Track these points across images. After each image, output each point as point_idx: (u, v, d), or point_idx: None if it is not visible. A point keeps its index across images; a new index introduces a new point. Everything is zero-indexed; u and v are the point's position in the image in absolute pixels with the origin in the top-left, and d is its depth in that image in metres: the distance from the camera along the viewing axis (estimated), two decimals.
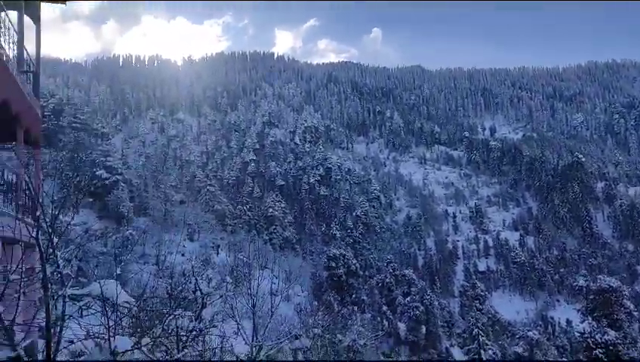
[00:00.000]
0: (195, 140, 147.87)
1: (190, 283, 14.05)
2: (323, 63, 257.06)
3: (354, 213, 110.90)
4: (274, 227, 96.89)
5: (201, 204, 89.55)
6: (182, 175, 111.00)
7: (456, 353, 56.13)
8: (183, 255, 51.96)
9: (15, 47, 9.65)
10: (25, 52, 10.42)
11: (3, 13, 8.58)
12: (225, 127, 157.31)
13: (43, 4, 12.15)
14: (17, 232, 8.69)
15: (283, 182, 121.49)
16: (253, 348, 13.24)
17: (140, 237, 56.45)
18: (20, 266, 4.41)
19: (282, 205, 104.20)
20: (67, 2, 12.66)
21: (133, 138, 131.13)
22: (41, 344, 6.73)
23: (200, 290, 12.29)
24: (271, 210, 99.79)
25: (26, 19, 10.54)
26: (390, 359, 47.41)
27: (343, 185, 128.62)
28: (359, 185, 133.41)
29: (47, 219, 4.68)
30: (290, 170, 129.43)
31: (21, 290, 4.21)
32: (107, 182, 67.86)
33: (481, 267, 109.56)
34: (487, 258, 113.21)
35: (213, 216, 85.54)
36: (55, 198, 6.34)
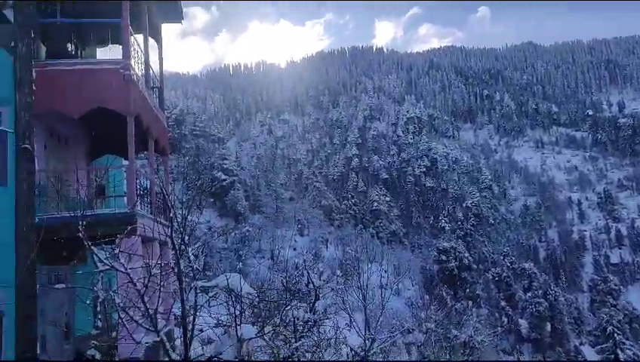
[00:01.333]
0: (300, 139, 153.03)
1: (303, 276, 14.67)
2: (423, 51, 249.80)
3: (464, 204, 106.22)
4: (380, 221, 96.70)
5: (309, 200, 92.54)
6: (290, 173, 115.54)
7: (588, 351, 51.23)
8: (294, 249, 54.25)
9: (142, 67, 10.85)
10: (151, 70, 11.68)
11: (132, 38, 9.68)
12: (327, 124, 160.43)
13: (163, 25, 13.49)
14: (154, 231, 9.81)
15: (387, 176, 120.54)
16: (367, 341, 13.35)
17: (255, 234, 60.10)
18: (158, 261, 5.00)
19: (387, 198, 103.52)
20: (183, 20, 13.90)
21: (245, 141, 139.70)
22: (177, 331, 7.54)
23: (313, 283, 12.73)
24: (376, 203, 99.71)
25: (150, 40, 11.77)
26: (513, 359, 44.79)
27: (450, 175, 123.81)
28: (468, 174, 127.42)
29: (179, 219, 5.23)
30: (394, 162, 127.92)
31: (161, 283, 4.78)
32: (225, 183, 73.22)
33: (614, 259, 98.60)
34: (620, 248, 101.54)
35: (321, 211, 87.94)
36: (183, 200, 6.97)
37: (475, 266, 67.70)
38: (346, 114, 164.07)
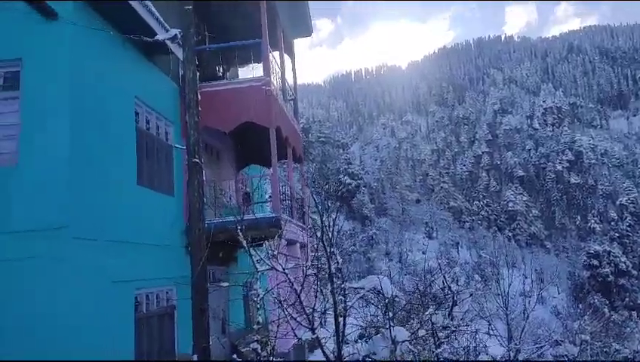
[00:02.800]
0: (424, 139, 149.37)
1: (437, 280, 14.23)
2: (560, 34, 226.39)
3: (617, 202, 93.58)
4: (517, 222, 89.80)
5: (436, 201, 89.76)
6: (415, 174, 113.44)
7: None
8: (423, 253, 53.00)
9: (279, 81, 11.64)
10: (286, 83, 12.47)
11: (271, 56, 10.46)
12: (453, 122, 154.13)
13: (295, 40, 14.31)
14: (297, 235, 10.44)
15: (523, 173, 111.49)
16: (510, 351, 12.46)
17: (383, 236, 60.13)
18: (313, 263, 5.33)
19: (524, 198, 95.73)
20: (312, 34, 14.60)
21: (368, 144, 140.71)
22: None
23: (449, 288, 12.30)
24: (511, 203, 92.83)
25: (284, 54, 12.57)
26: None
27: (599, 169, 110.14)
28: (621, 167, 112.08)
29: (326, 223, 5.50)
30: (531, 158, 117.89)
31: (315, 283, 5.09)
32: (350, 187, 74.65)
33: None
34: None
35: (450, 213, 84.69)
36: (318, 204, 7.26)
37: (634, 272, 59.20)
38: (473, 110, 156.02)
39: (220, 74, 12.11)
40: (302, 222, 11.87)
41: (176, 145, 8.27)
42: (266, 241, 6.82)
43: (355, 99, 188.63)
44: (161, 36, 6.42)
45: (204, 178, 5.82)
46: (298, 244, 10.95)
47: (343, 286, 5.13)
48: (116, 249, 6.76)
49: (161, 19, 7.61)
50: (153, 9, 7.40)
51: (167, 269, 8.06)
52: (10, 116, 6.28)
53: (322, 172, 67.78)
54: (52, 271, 5.71)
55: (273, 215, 9.00)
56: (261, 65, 10.58)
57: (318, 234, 5.60)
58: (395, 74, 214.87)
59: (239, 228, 5.92)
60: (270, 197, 10.46)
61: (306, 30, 14.57)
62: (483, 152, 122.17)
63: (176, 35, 6.03)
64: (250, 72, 12.63)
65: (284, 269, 5.26)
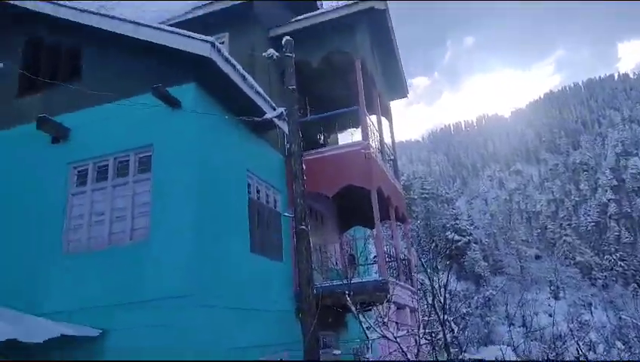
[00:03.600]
0: (537, 189, 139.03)
1: (570, 348, 12.58)
2: None
3: None
4: None
5: (559, 257, 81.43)
6: (531, 228, 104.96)
7: None
8: (550, 315, 47.62)
9: (378, 143, 11.84)
10: (384, 145, 12.64)
11: (368, 119, 10.77)
12: (570, 168, 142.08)
13: (391, 102, 14.63)
14: (406, 298, 10.08)
15: None
16: None
17: (501, 297, 55.43)
18: (426, 329, 5.08)
19: None
20: (408, 94, 14.84)
21: (475, 198, 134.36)
22: None
23: (586, 357, 10.78)
24: None
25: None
26: None
27: None
28: None
29: (434, 285, 5.26)
30: None
31: (430, 353, 4.82)
32: (459, 244, 71.01)
33: None
34: None
35: (577, 269, 76.10)
36: (425, 264, 6.98)
37: None
38: (591, 154, 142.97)
39: (321, 141, 12.67)
40: (410, 285, 11.47)
41: (285, 214, 8.66)
42: (374, 306, 6.68)
43: (457, 152, 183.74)
44: (269, 115, 7.00)
45: (311, 243, 5.97)
46: (408, 309, 10.54)
47: (461, 357, 4.77)
48: (234, 315, 7.07)
49: (268, 98, 8.31)
50: (260, 90, 8.13)
51: (280, 335, 8.20)
52: (144, 195, 7.13)
53: (428, 229, 65.65)
54: (179, 337, 6.11)
55: (380, 278, 8.83)
56: (359, 129, 10.91)
57: (429, 297, 5.36)
58: (498, 123, 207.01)
59: (347, 292, 5.88)
60: (375, 258, 10.34)
61: (402, 91, 14.87)
62: (609, 200, 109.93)
63: (281, 112, 6.53)
64: (350, 136, 13.06)
65: (395, 338, 5.07)
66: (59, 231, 7.22)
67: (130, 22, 7.44)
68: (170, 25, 10.18)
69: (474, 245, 72.74)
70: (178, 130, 7.14)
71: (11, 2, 8.39)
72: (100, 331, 6.32)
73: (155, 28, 7.35)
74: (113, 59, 7.93)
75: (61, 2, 8.16)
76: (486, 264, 71.96)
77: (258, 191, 9.04)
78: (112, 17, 7.58)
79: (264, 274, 8.43)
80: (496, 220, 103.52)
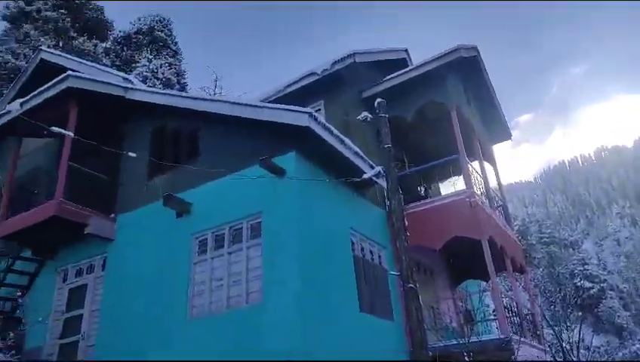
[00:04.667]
0: None
1: None
2: None
3: None
4: None
5: None
6: None
7: None
8: None
9: (483, 190, 11.36)
10: (491, 191, 12.07)
11: (470, 166, 10.46)
12: None
13: (494, 146, 14.10)
14: (533, 356, 9.14)
15: None
16: None
17: None
18: None
19: None
20: (512, 137, 14.22)
21: (604, 239, 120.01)
22: None
23: None
24: None
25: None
26: None
27: None
28: None
29: (564, 340, 4.75)
30: None
31: None
32: (591, 292, 63.12)
33: None
34: None
35: None
36: (551, 318, 6.35)
37: None
38: None
39: (422, 193, 12.49)
40: (537, 342, 10.42)
41: (392, 273, 8.56)
42: None
43: (576, 190, 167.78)
44: (367, 174, 7.18)
45: (421, 302, 5.80)
46: None
47: None
48: None
49: (366, 158, 8.53)
50: (358, 150, 8.40)
51: None
52: (257, 260, 7.55)
53: (552, 278, 59.53)
54: None
55: (501, 336, 8.18)
56: (461, 177, 10.62)
57: (559, 357, 4.83)
58: (621, 155, 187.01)
59: (465, 352, 5.54)
60: (495, 314, 9.63)
61: (504, 134, 14.30)
62: None
63: (379, 171, 6.65)
64: (452, 185, 12.72)
65: None
66: (185, 297, 7.85)
67: (236, 103, 8.28)
68: (271, 100, 11.11)
69: (610, 292, 64.13)
70: (283, 196, 7.58)
71: (138, 100, 9.81)
72: None
73: (257, 106, 8.09)
74: (224, 137, 8.80)
75: (180, 93, 9.38)
76: (628, 313, 62.69)
77: (362, 249, 9.08)
78: (222, 101, 8.51)
79: (375, 334, 8.27)
80: (633, 262, 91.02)
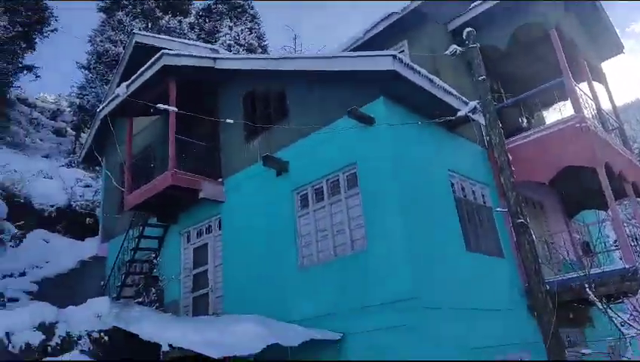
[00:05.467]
0: None
1: None
2: None
3: None
4: None
5: None
6: None
7: None
8: None
9: (595, 113, 10.29)
10: (603, 113, 10.91)
11: (577, 89, 9.50)
12: None
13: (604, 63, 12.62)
14: None
15: None
16: None
17: None
18: None
19: None
20: (624, 49, 12.57)
21: None
22: None
23: None
24: None
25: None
26: None
27: None
28: None
29: None
30: None
31: None
32: None
33: None
34: None
35: None
36: None
37: None
38: None
39: (524, 124, 11.67)
40: None
41: (497, 210, 8.28)
42: (625, 298, 5.79)
43: None
44: (462, 111, 6.86)
45: (534, 236, 5.57)
46: None
47: None
48: (461, 316, 7.03)
49: (458, 95, 8.13)
50: (449, 88, 8.02)
51: (512, 334, 7.80)
52: (357, 209, 7.73)
53: None
54: (409, 339, 6.38)
55: (626, 266, 7.61)
56: (568, 102, 9.71)
57: None
58: None
59: (586, 284, 5.27)
60: (616, 244, 8.95)
61: (615, 47, 12.68)
62: None
63: (475, 106, 6.33)
64: (558, 113, 11.72)
65: None
66: (294, 249, 8.35)
67: (319, 57, 8.28)
68: (352, 49, 10.91)
69: None
70: (375, 145, 7.56)
71: (227, 68, 10.20)
72: (341, 334, 7.04)
73: (339, 57, 8.02)
74: (311, 93, 8.90)
75: (264, 56, 9.59)
76: None
77: (463, 189, 8.85)
78: (305, 57, 8.55)
79: (486, 272, 8.16)
80: None
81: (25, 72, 20.78)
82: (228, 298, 9.23)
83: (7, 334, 7.81)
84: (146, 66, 10.09)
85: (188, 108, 9.28)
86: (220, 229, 10.02)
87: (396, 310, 6.55)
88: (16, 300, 11.05)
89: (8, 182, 14.19)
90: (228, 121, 8.86)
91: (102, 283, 11.56)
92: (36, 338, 8.03)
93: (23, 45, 19.72)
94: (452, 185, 8.51)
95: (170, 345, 6.46)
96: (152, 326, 7.57)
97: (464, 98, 8.15)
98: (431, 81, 7.67)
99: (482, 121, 7.33)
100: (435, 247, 7.25)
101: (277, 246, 8.60)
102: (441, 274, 7.13)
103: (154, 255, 10.82)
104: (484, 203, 9.26)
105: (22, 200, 14.41)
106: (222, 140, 10.57)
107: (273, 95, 9.79)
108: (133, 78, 10.43)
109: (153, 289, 10.26)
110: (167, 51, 9.88)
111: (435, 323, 6.56)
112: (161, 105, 8.40)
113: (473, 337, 7.04)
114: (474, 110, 6.38)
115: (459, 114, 7.00)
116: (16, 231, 13.33)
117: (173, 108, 9.00)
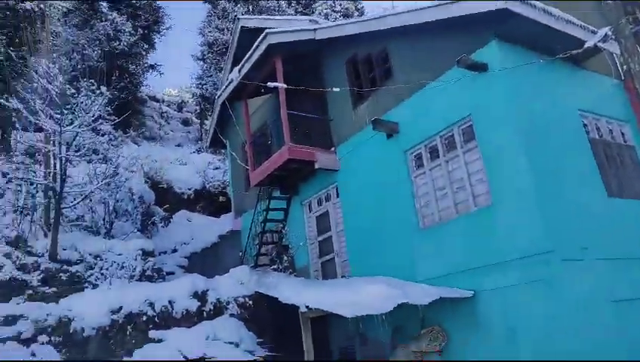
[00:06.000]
0: None
1: None
2: None
3: None
4: None
5: None
6: None
7: None
8: None
9: None
10: None
11: None
12: None
13: None
14: None
15: None
16: None
17: None
18: None
19: None
20: None
21: None
22: None
23: None
24: None
25: None
26: None
27: None
28: None
29: None
30: None
31: None
32: None
33: None
34: None
35: None
36: None
37: None
38: None
39: None
40: None
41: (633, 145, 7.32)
42: None
43: None
44: (590, 42, 6.08)
45: None
46: None
47: None
48: (606, 266, 6.49)
49: (583, 24, 7.24)
50: (570, 17, 7.17)
51: None
52: (477, 163, 7.42)
53: None
54: (546, 295, 6.08)
55: None
56: None
57: None
58: None
59: None
60: None
61: None
62: None
63: (606, 33, 5.58)
64: None
65: None
66: (412, 210, 8.33)
67: (422, 8, 7.90)
68: None
69: None
70: (491, 92, 7.11)
71: (327, 37, 10.25)
72: (472, 292, 6.94)
73: (442, 4, 7.55)
74: (414, 49, 8.60)
75: (363, 18, 9.44)
76: None
77: (598, 129, 7.97)
78: (406, 11, 8.23)
79: (631, 217, 7.34)
80: None
81: (150, 71, 23.07)
82: (353, 261, 9.58)
83: (170, 302, 9.09)
84: (253, 48, 10.57)
85: (295, 83, 9.58)
86: (337, 197, 10.35)
87: (531, 265, 6.26)
88: (172, 273, 12.70)
89: (152, 171, 16.11)
90: (334, 89, 8.99)
91: (240, 253, 12.73)
92: (193, 304, 9.24)
93: (146, 47, 21.83)
94: (585, 125, 7.71)
95: (307, 306, 6.97)
96: (289, 290, 8.22)
97: (591, 27, 7.22)
98: (548, 12, 6.91)
99: (616, 49, 6.44)
100: (570, 196, 6.69)
101: (395, 209, 8.65)
102: (580, 223, 6.59)
103: (282, 225, 11.59)
104: (625, 142, 8.25)
105: (164, 186, 16.31)
106: (330, 110, 10.77)
107: (376, 57, 9.64)
108: (243, 61, 11.03)
109: (285, 257, 11.05)
110: (270, 30, 10.24)
111: (574, 276, 6.13)
112: (271, 84, 8.80)
113: (618, 289, 6.47)
114: (605, 38, 5.61)
115: (586, 45, 6.21)
116: (164, 213, 15.19)
117: (282, 85, 9.37)
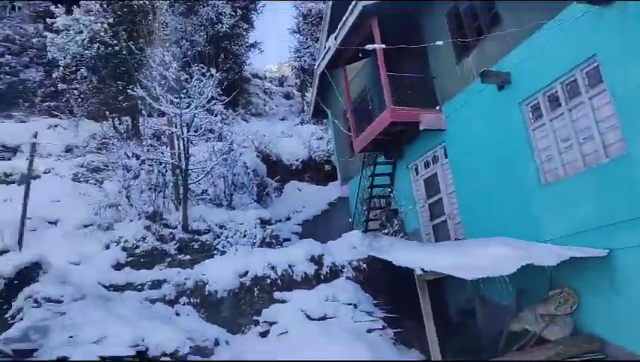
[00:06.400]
0: None
1: None
2: None
3: None
4: None
5: None
6: None
7: None
8: None
9: None
10: None
11: None
12: None
13: None
14: None
15: None
16: None
17: None
18: None
19: None
20: None
21: None
22: None
23: None
24: None
25: None
26: None
27: None
28: None
29: None
30: None
31: None
32: None
33: None
34: None
35: None
36: None
37: None
38: None
39: None
40: None
41: None
42: None
43: None
44: None
45: None
46: None
47: None
48: None
49: None
50: None
51: None
52: (606, 108, 6.61)
53: None
54: None
55: None
56: None
57: None
58: None
59: None
60: None
61: None
62: None
63: None
64: None
65: None
66: (532, 165, 7.72)
67: None
68: None
69: None
70: (619, 27, 6.20)
71: None
72: (607, 251, 6.32)
73: None
74: None
75: None
76: None
77: None
78: None
79: None
80: None
81: (251, 49, 23.87)
82: (467, 223, 9.24)
83: (290, 266, 9.62)
84: (347, 12, 10.39)
85: (393, 43, 9.27)
86: (446, 157, 9.96)
87: None
88: (288, 240, 13.39)
89: (262, 145, 16.93)
90: (437, 43, 8.54)
91: (349, 219, 12.97)
92: (311, 268, 9.69)
93: (245, 26, 22.56)
94: None
95: (422, 269, 6.92)
96: (402, 253, 8.23)
97: None
98: None
99: None
100: None
101: (511, 166, 8.10)
102: None
103: (389, 190, 11.53)
104: None
105: (274, 159, 17.08)
106: (433, 67, 10.28)
107: (479, 4, 8.91)
108: (338, 28, 10.91)
109: (395, 221, 11.02)
110: None
111: None
112: (369, 46, 8.62)
113: None
114: None
115: None
116: (275, 184, 15.98)
117: (380, 46, 9.13)
